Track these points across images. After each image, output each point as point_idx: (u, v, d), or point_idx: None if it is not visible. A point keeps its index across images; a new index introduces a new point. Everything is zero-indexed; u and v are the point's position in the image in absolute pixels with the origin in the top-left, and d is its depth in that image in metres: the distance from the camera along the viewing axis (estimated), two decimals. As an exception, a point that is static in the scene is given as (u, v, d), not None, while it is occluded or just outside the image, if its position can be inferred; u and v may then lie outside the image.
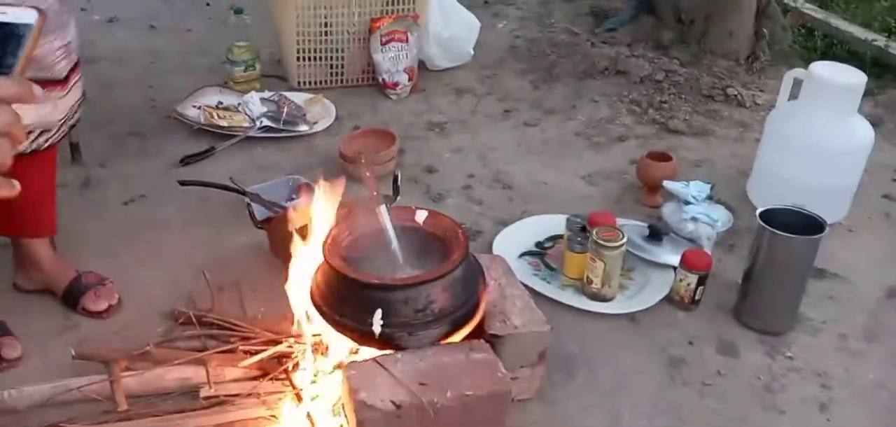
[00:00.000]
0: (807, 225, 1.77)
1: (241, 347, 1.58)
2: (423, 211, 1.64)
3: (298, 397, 1.51)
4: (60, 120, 1.64)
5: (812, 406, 1.63)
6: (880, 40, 3.16)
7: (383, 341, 1.42)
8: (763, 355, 1.76)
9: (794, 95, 2.24)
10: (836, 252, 2.08)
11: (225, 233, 2.04)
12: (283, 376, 1.55)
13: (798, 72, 2.23)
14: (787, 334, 1.82)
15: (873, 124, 2.25)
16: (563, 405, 1.58)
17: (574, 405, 1.59)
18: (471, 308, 1.52)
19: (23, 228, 1.77)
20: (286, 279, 1.56)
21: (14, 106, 0.67)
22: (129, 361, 1.51)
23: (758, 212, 1.80)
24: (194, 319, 1.67)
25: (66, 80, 1.61)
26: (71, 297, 1.76)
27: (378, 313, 1.42)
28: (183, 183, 2.08)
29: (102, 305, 1.75)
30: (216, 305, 1.73)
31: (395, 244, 1.56)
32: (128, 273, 1.87)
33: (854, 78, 2.15)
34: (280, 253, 1.92)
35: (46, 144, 1.63)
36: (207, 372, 1.52)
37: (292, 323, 1.58)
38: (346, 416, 1.38)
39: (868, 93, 2.86)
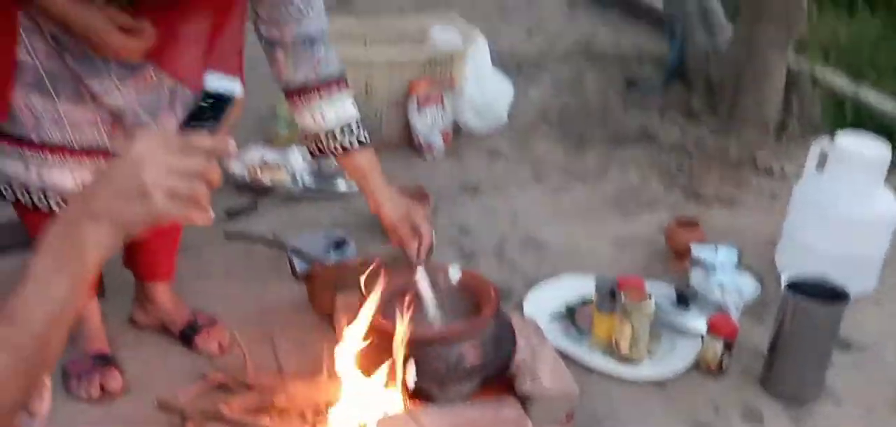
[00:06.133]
0: (832, 295, 1.81)
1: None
2: (457, 268, 1.71)
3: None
4: None
5: (837, 476, 1.65)
6: (910, 113, 3.20)
7: (416, 395, 1.48)
8: (789, 424, 1.78)
9: (821, 166, 2.29)
10: (863, 323, 2.10)
11: (265, 285, 2.12)
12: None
13: (824, 143, 2.28)
14: (812, 404, 1.84)
15: (902, 196, 2.28)
16: (590, 465, 1.62)
17: (600, 466, 1.62)
18: (501, 365, 1.58)
19: (146, 272, 1.91)
20: (336, 336, 1.61)
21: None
22: (203, 421, 1.58)
23: (783, 280, 1.84)
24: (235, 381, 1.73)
25: None
26: (186, 337, 1.89)
27: (411, 367, 1.48)
28: (228, 236, 2.17)
29: (213, 345, 1.87)
30: (250, 364, 1.76)
31: (432, 308, 1.62)
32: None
33: (879, 150, 2.19)
34: (318, 305, 2.00)
35: None
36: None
37: (331, 378, 1.63)
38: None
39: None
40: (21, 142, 1.53)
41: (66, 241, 0.81)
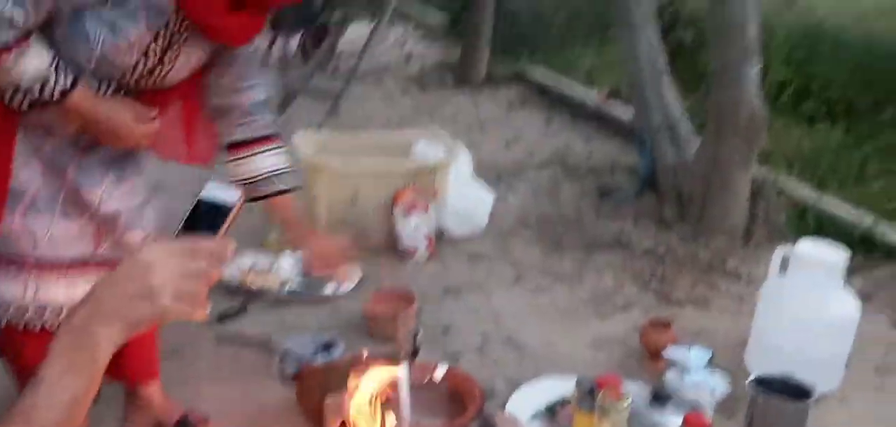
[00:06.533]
0: (798, 392, 1.91)
1: None
2: (442, 367, 1.80)
3: None
4: None
5: None
6: (868, 221, 3.38)
7: (404, 490, 1.55)
8: None
9: (783, 270, 2.42)
10: (828, 421, 2.19)
11: (255, 387, 2.19)
12: None
13: (786, 249, 2.42)
14: (783, 497, 1.91)
15: (863, 299, 2.41)
16: None
17: None
18: (485, 462, 1.66)
19: (137, 374, 1.97)
20: None
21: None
22: None
23: (750, 378, 1.95)
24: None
25: None
26: None
27: (399, 463, 1.55)
28: (220, 339, 2.25)
29: None
30: None
31: (406, 407, 1.70)
32: None
33: (836, 255, 2.34)
34: (307, 406, 2.06)
35: None
36: None
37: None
38: None
39: (858, 269, 3.06)
40: (18, 263, 1.62)
41: (77, 342, 0.87)
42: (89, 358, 0.87)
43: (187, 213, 0.96)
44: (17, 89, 1.49)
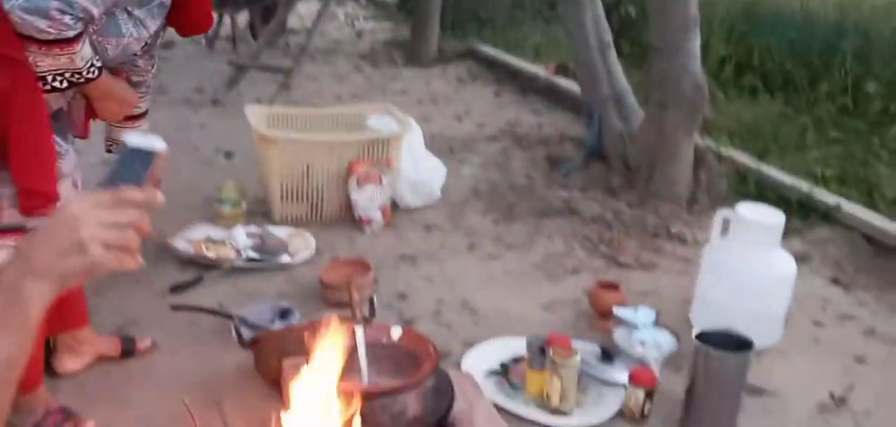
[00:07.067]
0: (738, 344, 2.01)
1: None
2: (398, 328, 1.84)
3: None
4: None
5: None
6: (805, 185, 3.53)
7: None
8: (705, 462, 1.94)
9: (725, 232, 2.52)
10: (770, 372, 2.31)
11: (213, 354, 2.19)
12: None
13: (727, 212, 2.52)
14: (726, 446, 2.01)
15: (801, 259, 2.53)
16: (526, 506, 1.73)
17: (535, 506, 1.74)
18: (441, 417, 1.70)
19: (74, 321, 2.07)
20: (284, 401, 1.69)
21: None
22: None
23: (694, 333, 2.03)
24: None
25: None
26: (128, 351, 2.17)
27: (357, 420, 1.58)
28: (175, 307, 2.25)
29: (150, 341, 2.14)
30: None
31: (364, 364, 1.73)
32: (120, 391, 2.02)
33: (774, 217, 2.45)
34: (265, 371, 2.08)
35: None
36: None
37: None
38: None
39: (797, 231, 3.20)
40: None
41: (8, 302, 0.86)
42: (21, 316, 0.85)
43: (112, 166, 0.94)
44: (71, 72, 1.71)
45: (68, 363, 2.08)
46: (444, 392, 1.74)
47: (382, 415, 1.62)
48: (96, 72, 1.76)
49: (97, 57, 1.76)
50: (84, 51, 1.71)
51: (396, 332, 1.85)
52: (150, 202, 0.91)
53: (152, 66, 2.05)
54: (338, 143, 3.14)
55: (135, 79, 1.99)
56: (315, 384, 1.62)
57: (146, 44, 1.88)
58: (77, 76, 1.73)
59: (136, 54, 1.88)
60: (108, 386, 2.04)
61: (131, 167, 0.93)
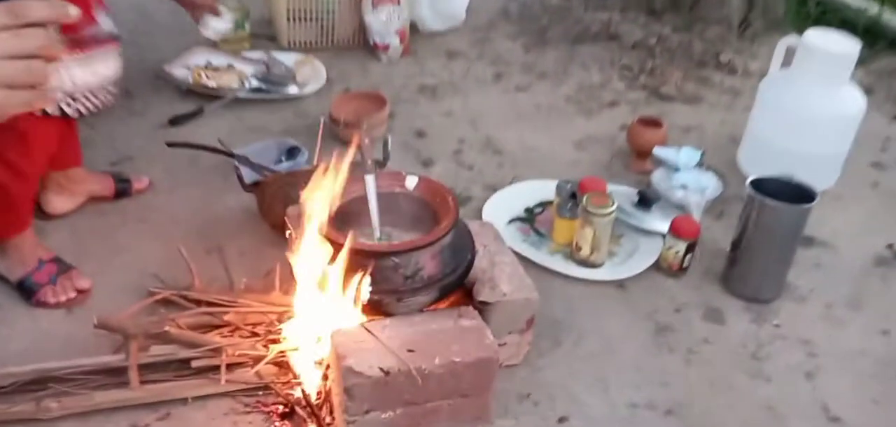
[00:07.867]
0: (797, 193, 1.78)
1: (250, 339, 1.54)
2: (414, 176, 1.63)
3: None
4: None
5: (797, 374, 1.65)
6: (873, 8, 3.16)
7: (372, 307, 1.42)
8: (749, 323, 1.77)
9: (786, 63, 2.23)
10: (824, 220, 2.09)
11: (213, 195, 2.03)
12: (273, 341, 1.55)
13: (791, 39, 2.22)
14: (773, 302, 1.83)
15: (865, 93, 2.25)
16: (550, 370, 1.60)
17: (561, 371, 1.60)
18: (460, 275, 1.52)
19: (61, 161, 1.85)
20: (288, 248, 1.53)
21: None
22: (147, 340, 1.49)
23: (748, 180, 1.80)
24: (182, 297, 1.65)
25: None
26: (123, 191, 2.01)
27: (366, 279, 1.41)
28: (171, 144, 2.05)
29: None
30: (198, 278, 1.69)
31: (375, 218, 1.54)
32: (114, 235, 1.87)
33: (847, 46, 2.14)
34: (268, 216, 1.92)
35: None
36: (223, 362, 1.49)
37: (285, 292, 1.56)
38: (333, 379, 1.39)
39: (860, 61, 2.86)
40: None
41: None
42: None
43: None
44: None
45: (59, 204, 1.92)
46: (463, 248, 1.55)
47: (394, 275, 1.44)
48: None
49: None
50: None
51: (412, 181, 1.64)
52: (58, 16, 0.71)
53: None
54: (350, -44, 2.82)
55: None
56: (312, 235, 1.45)
57: None
58: None
59: None
60: (101, 229, 1.89)
61: None
